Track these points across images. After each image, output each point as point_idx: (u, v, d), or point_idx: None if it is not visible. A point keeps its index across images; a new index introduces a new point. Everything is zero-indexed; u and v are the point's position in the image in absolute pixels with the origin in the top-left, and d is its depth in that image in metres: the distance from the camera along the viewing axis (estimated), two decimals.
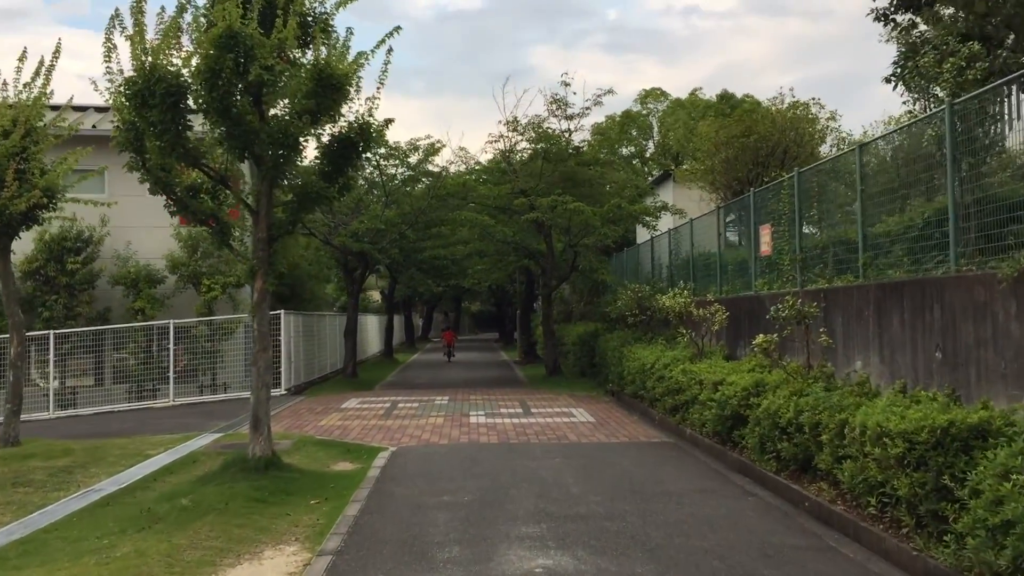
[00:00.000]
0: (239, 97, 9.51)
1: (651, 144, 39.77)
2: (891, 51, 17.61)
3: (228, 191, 10.90)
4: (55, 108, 15.37)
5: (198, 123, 10.32)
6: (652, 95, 41.75)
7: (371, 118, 10.54)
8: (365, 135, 10.50)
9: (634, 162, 35.75)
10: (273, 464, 10.38)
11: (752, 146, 17.60)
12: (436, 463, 11.65)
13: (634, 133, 36.86)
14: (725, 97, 36.82)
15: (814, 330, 11.60)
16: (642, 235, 30.78)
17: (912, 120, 12.12)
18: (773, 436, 10.51)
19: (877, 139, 12.27)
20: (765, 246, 15.76)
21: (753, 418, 11.21)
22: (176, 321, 21.22)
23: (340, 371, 25.50)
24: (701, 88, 40.89)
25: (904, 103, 15.07)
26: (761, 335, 11.91)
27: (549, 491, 9.67)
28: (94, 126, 22.00)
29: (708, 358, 15.58)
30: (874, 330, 10.75)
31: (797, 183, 14.13)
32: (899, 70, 13.98)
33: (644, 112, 40.38)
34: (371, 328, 42.31)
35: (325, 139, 10.53)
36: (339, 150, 10.49)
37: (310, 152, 10.71)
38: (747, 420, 11.55)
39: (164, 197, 10.85)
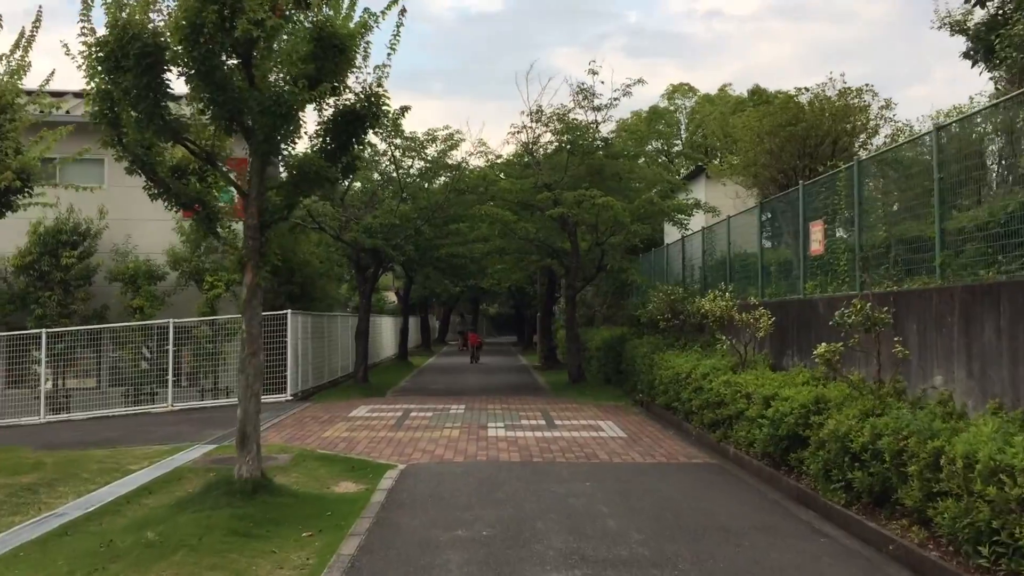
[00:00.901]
0: (225, 57, 8.13)
1: (679, 142, 38.24)
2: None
3: (215, 171, 9.49)
4: (32, 92, 14.03)
5: (182, 91, 8.96)
6: (680, 90, 40.23)
7: (380, 88, 9.14)
8: (373, 108, 9.11)
9: (659, 159, 34.18)
10: (262, 487, 8.99)
11: (799, 136, 16.07)
12: (450, 485, 10.23)
13: (662, 128, 35.34)
14: (756, 92, 35.19)
15: (886, 339, 10.11)
16: (670, 235, 29.28)
17: (1001, 97, 10.59)
18: (841, 462, 9.03)
19: (961, 118, 10.76)
20: (816, 244, 14.24)
21: (815, 440, 9.74)
22: (176, 320, 19.93)
23: (351, 375, 24.12)
24: (731, 84, 39.40)
25: (991, 78, 13.51)
26: (823, 344, 10.42)
27: (582, 525, 8.22)
28: None
29: (752, 368, 14.10)
30: (960, 340, 9.23)
31: (857, 173, 12.63)
32: (977, 45, 12.42)
33: (672, 108, 38.88)
34: (386, 330, 40.96)
35: (328, 112, 9.14)
36: (343, 124, 9.11)
37: (311, 127, 9.32)
38: (807, 441, 10.07)
39: (144, 179, 9.48)
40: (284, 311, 21.10)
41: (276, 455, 12.44)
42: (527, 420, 16.42)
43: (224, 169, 9.22)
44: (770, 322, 14.05)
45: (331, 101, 9.21)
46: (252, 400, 9.12)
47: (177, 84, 8.74)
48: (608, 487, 10.10)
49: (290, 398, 20.41)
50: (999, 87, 12.27)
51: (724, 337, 15.52)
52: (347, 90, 9.17)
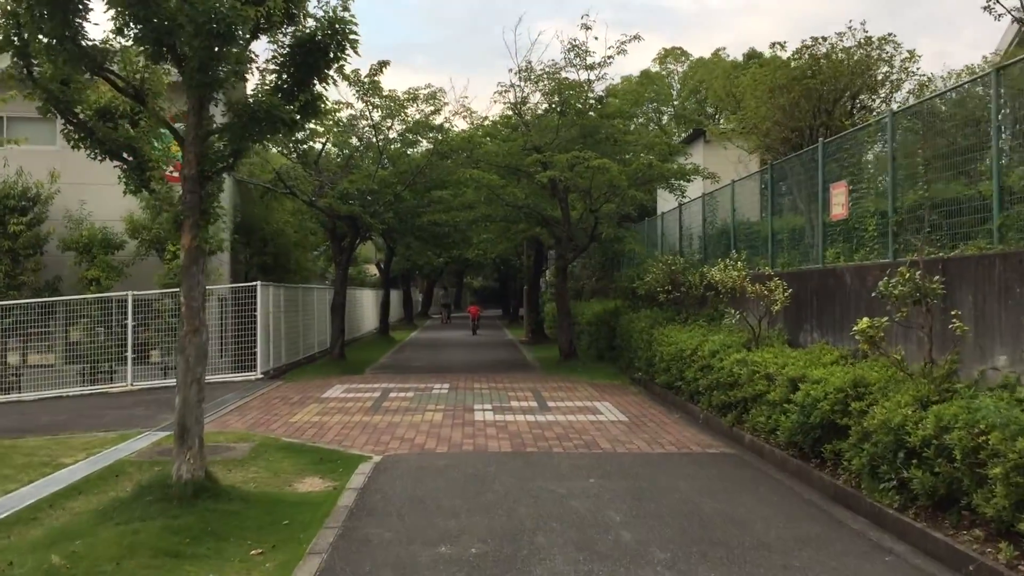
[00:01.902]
0: None
1: (669, 109, 36.62)
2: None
3: (146, 111, 7.90)
4: None
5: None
6: (672, 55, 38.55)
7: (346, 13, 7.58)
8: (338, 37, 7.55)
9: (650, 127, 32.59)
10: (206, 490, 7.51)
11: (816, 90, 14.59)
12: (432, 484, 8.78)
13: (654, 93, 33.72)
14: (753, 56, 33.60)
15: (936, 313, 8.72)
16: (664, 204, 27.80)
17: None
18: (893, 458, 7.66)
19: None
20: (839, 208, 12.81)
21: (858, 431, 8.36)
22: (135, 293, 18.33)
23: (328, 351, 22.60)
24: (724, 48, 37.71)
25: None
26: (865, 319, 8.98)
27: (591, 538, 6.80)
28: None
29: (767, 345, 12.73)
30: None
31: (891, 127, 11.18)
32: None
33: (664, 73, 37.23)
34: (366, 303, 39.41)
35: (284, 41, 7.58)
36: (301, 57, 7.55)
37: (263, 58, 7.74)
38: (845, 432, 8.70)
39: (63, 123, 7.91)
40: (253, 283, 19.54)
41: (234, 444, 10.96)
42: (517, 402, 15.00)
43: (160, 111, 7.62)
44: (786, 294, 12.67)
45: (288, 30, 7.65)
46: (193, 387, 7.62)
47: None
48: (616, 485, 8.68)
49: (260, 376, 18.91)
50: None
51: (732, 311, 14.13)
52: (306, 16, 7.61)
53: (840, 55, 14.94)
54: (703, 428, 12.55)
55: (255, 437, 11.47)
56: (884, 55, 14.98)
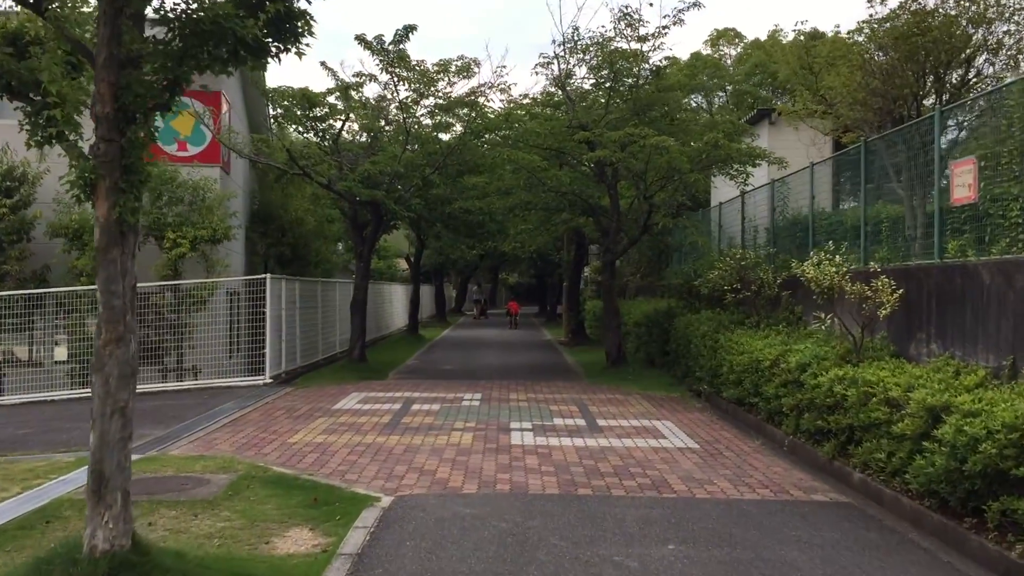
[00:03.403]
0: None
1: (722, 93, 33.96)
2: None
3: (52, 29, 5.61)
4: None
5: None
6: (725, 36, 35.94)
7: None
8: None
9: (701, 115, 30.04)
10: (128, 567, 5.23)
11: (926, 50, 12.08)
12: (454, 550, 6.49)
13: (705, 79, 31.12)
14: (815, 36, 30.97)
15: None
16: (717, 193, 25.27)
17: None
18: None
19: None
20: (964, 190, 10.32)
21: None
22: None
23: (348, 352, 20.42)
24: (781, 29, 35.02)
25: None
26: None
27: None
28: None
29: (872, 359, 10.30)
30: None
31: None
32: None
33: (717, 56, 34.60)
34: (396, 300, 37.26)
35: None
36: None
37: None
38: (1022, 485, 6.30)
39: None
40: (262, 275, 17.41)
41: (211, 475, 8.76)
42: (561, 419, 12.68)
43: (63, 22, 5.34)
44: (895, 296, 10.22)
45: None
46: (115, 419, 5.37)
47: None
48: (706, 555, 6.33)
49: (269, 381, 16.77)
50: None
51: (822, 315, 11.70)
52: None
53: (951, 9, 12.41)
54: (792, 459, 10.15)
55: (240, 465, 9.26)
56: (1005, 7, 12.42)
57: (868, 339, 10.93)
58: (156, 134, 5.39)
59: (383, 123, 19.93)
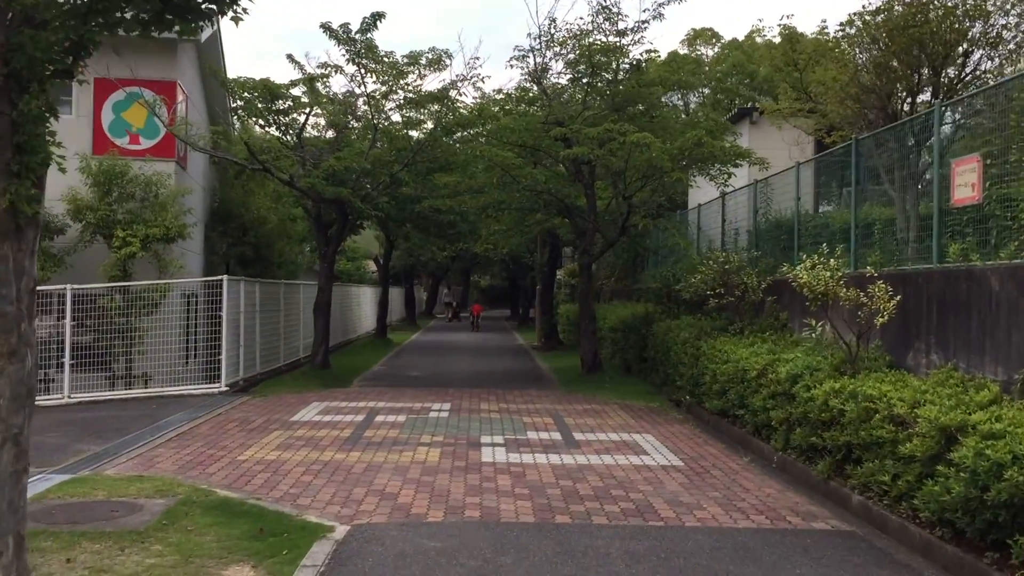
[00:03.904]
0: None
1: (707, 87, 33.27)
2: None
3: None
4: None
5: None
6: (702, 36, 35.39)
7: None
8: None
9: (679, 117, 29.35)
10: None
11: (920, 43, 11.39)
12: None
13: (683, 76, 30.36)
14: (791, 38, 30.43)
15: None
16: (696, 195, 24.58)
17: None
18: None
19: None
20: (967, 190, 9.65)
21: None
22: (76, 287, 15.25)
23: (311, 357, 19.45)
24: (761, 30, 34.43)
25: None
26: None
27: None
28: None
29: (868, 370, 9.61)
30: None
31: None
32: None
33: (694, 55, 33.96)
34: (364, 302, 36.27)
35: None
36: None
37: None
38: None
39: None
40: (219, 277, 16.45)
41: (146, 500, 7.84)
42: (535, 432, 11.85)
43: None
44: (893, 303, 9.52)
45: None
46: (5, 449, 4.47)
47: None
48: None
49: (225, 389, 15.80)
50: None
51: (813, 322, 10.99)
52: None
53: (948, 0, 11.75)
54: (784, 478, 9.41)
55: (181, 487, 8.34)
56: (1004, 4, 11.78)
57: (863, 349, 10.21)
58: (52, 109, 4.46)
59: (351, 119, 19.04)
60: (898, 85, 11.89)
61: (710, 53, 35.44)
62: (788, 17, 37.75)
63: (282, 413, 13.28)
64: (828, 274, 10.00)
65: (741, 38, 35.46)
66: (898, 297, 9.62)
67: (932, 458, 6.99)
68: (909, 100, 12.36)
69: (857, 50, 12.32)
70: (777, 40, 30.99)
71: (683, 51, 34.71)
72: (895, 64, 11.97)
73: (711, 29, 35.77)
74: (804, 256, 13.74)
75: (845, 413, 8.58)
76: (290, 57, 19.51)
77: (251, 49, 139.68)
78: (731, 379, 12.16)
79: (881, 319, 9.55)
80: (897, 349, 10.18)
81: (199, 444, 10.71)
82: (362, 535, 6.94)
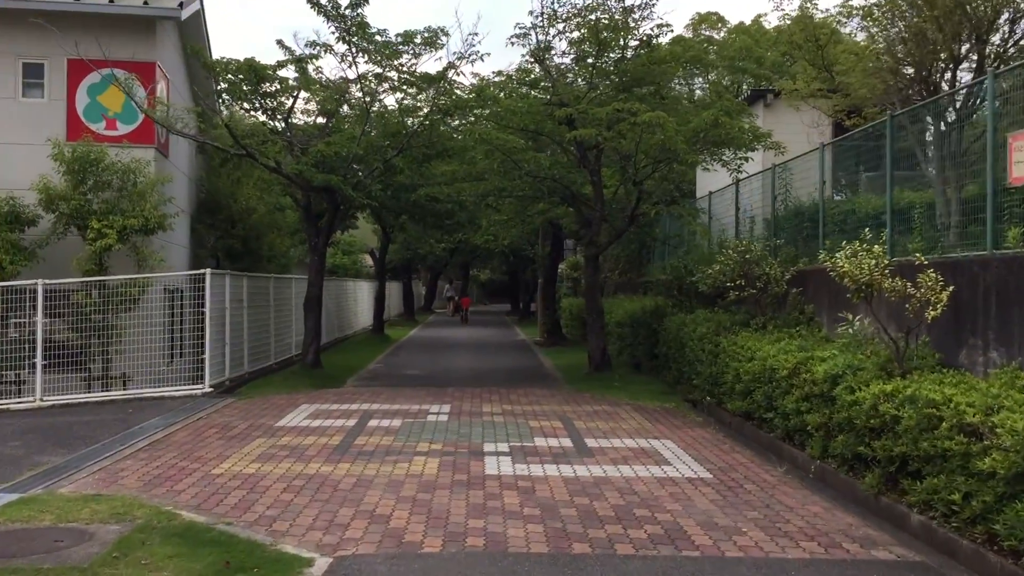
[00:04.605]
0: None
1: (704, 80, 32.18)
2: None
3: None
4: None
5: None
6: (707, 20, 34.29)
7: None
8: None
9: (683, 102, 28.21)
10: None
11: (964, 7, 10.31)
12: None
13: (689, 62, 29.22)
14: (801, 20, 29.33)
15: None
16: (703, 184, 23.48)
17: None
18: None
19: None
20: None
21: None
22: (48, 282, 14.18)
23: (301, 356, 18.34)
24: (766, 15, 33.33)
25: None
26: None
27: None
28: None
29: (919, 369, 8.58)
30: None
31: None
32: None
33: (699, 40, 32.85)
34: (361, 297, 35.18)
35: None
36: None
37: None
38: None
39: None
40: (201, 271, 15.37)
41: (100, 525, 6.79)
42: (543, 438, 10.80)
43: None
44: (945, 293, 8.47)
45: None
46: None
47: None
48: None
49: (209, 390, 14.75)
50: None
51: (850, 316, 9.95)
52: None
53: None
54: (827, 492, 8.36)
55: (141, 510, 7.27)
56: None
57: (910, 346, 9.15)
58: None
59: (343, 106, 17.94)
60: (940, 55, 10.79)
61: (716, 38, 34.27)
62: (761, 16, 36.51)
63: (267, 417, 12.23)
64: (872, 262, 8.93)
65: (748, 22, 34.33)
66: (951, 288, 8.57)
67: (1019, 476, 5.95)
68: (949, 72, 11.28)
69: (893, 16, 11.21)
70: (787, 23, 29.91)
71: (688, 36, 33.54)
72: (933, 32, 10.87)
73: (716, 13, 34.65)
74: (829, 243, 12.79)
75: (900, 420, 7.54)
76: (280, 43, 18.42)
77: (251, 47, 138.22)
78: (756, 378, 11.13)
79: (933, 312, 8.48)
80: (947, 346, 9.12)
81: (172, 455, 9.65)
82: (346, 570, 5.88)
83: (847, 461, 8.69)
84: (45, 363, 14.07)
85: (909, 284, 8.80)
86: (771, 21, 34.92)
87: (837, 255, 9.34)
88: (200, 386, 14.82)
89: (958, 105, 10.98)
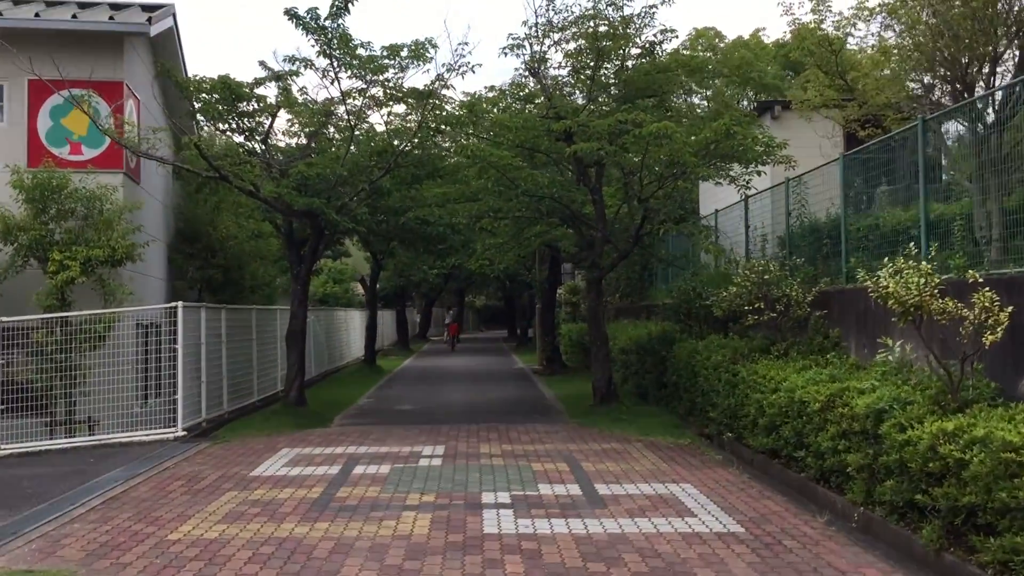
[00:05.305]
0: None
1: (699, 98, 31.31)
2: None
3: None
4: None
5: None
6: (705, 36, 33.42)
7: None
8: None
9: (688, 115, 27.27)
10: None
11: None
12: None
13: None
14: (800, 35, 28.61)
15: None
16: (706, 202, 22.46)
17: None
18: None
19: None
20: None
21: None
22: (5, 319, 13.06)
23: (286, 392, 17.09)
24: (764, 28, 32.53)
25: None
26: None
27: None
28: None
29: (975, 402, 7.50)
30: None
31: None
32: None
33: (698, 54, 31.98)
34: (353, 327, 34.01)
35: None
36: None
37: None
38: None
39: None
40: (173, 304, 14.25)
41: None
42: (548, 484, 9.64)
43: None
44: (1004, 314, 7.39)
45: None
46: None
47: None
48: None
49: (182, 434, 13.57)
50: None
51: (889, 341, 8.87)
52: None
53: None
54: (880, 548, 7.22)
55: None
56: None
57: (962, 375, 8.03)
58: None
59: (329, 128, 16.91)
60: (978, 51, 9.77)
61: (716, 55, 33.44)
62: (760, 30, 35.77)
63: (242, 465, 11.05)
64: (921, 280, 7.83)
65: (746, 37, 33.54)
66: (1009, 308, 7.48)
67: None
68: (987, 70, 10.26)
69: (922, 11, 10.20)
70: (787, 37, 29.10)
71: (687, 53, 32.68)
72: (968, 28, 9.86)
73: (714, 28, 33.80)
74: (854, 261, 11.73)
75: (967, 464, 6.42)
76: (262, 64, 17.45)
77: (235, 72, 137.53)
78: (783, 412, 10.01)
79: (992, 336, 7.39)
80: (1004, 374, 8.02)
81: (127, 515, 8.48)
82: None
83: (897, 509, 7.57)
84: (3, 408, 12.93)
85: (958, 306, 7.71)
86: (770, 36, 34.18)
87: (879, 273, 8.23)
88: (172, 430, 13.64)
89: (998, 106, 9.97)
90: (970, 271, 8.09)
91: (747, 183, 15.23)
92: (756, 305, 11.90)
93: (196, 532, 7.76)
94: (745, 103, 28.99)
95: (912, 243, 8.95)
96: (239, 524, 8.02)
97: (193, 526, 7.97)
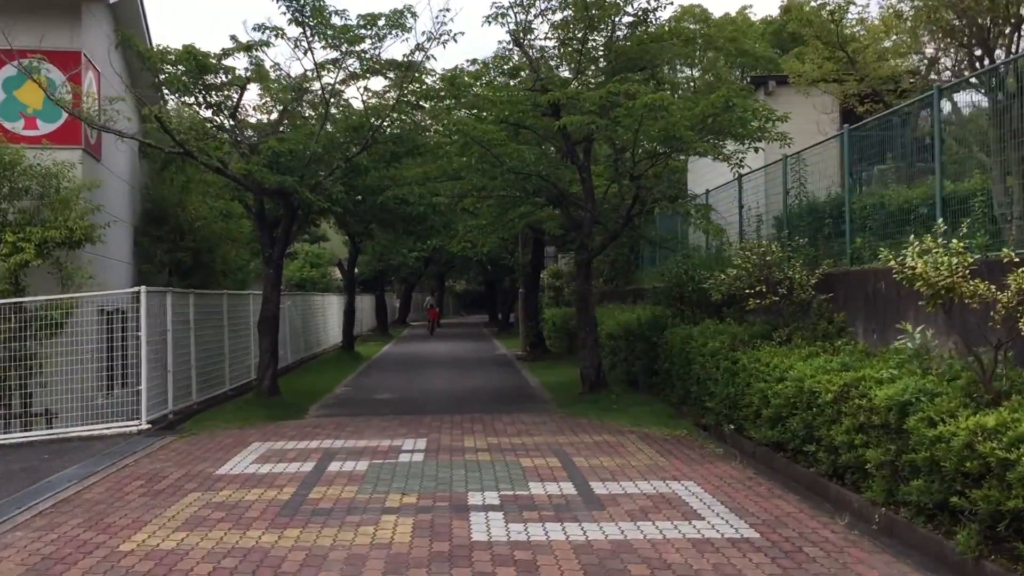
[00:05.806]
0: None
1: (690, 72, 30.61)
2: None
3: None
4: None
5: None
6: (690, 13, 32.66)
7: None
8: None
9: (680, 88, 26.47)
10: None
11: None
12: None
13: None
14: (789, 8, 28.16)
15: None
16: (695, 182, 21.76)
17: None
18: None
19: None
20: None
21: None
22: None
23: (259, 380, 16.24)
24: (751, 6, 31.81)
25: None
26: None
27: None
28: None
29: (1014, 393, 6.83)
30: None
31: None
32: None
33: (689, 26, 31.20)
34: (331, 313, 33.12)
35: None
36: None
37: None
38: None
39: None
40: (135, 289, 13.39)
41: None
42: (539, 482, 8.91)
43: None
44: None
45: None
46: None
47: None
48: None
49: (146, 427, 12.74)
50: None
51: (908, 326, 8.19)
52: None
53: None
54: (913, 557, 6.53)
55: None
56: None
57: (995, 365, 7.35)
58: None
59: (303, 105, 16.02)
60: (996, 18, 9.07)
61: (704, 29, 32.70)
62: (747, 8, 35.10)
63: (208, 462, 10.24)
64: (953, 260, 7.12)
65: (733, 14, 32.83)
66: None
67: None
68: (1008, 39, 9.56)
69: None
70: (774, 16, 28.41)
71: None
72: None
73: (699, 6, 32.99)
74: (860, 241, 11.11)
75: (1014, 465, 5.75)
76: (233, 38, 16.51)
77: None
78: (790, 403, 9.31)
79: None
80: None
81: (76, 521, 7.67)
82: None
83: (924, 510, 6.90)
84: None
85: (988, 288, 7.03)
86: (757, 13, 33.45)
87: (904, 252, 7.53)
88: (136, 422, 12.80)
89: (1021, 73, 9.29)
90: (1004, 250, 7.40)
91: (740, 161, 14.51)
92: (758, 288, 11.21)
93: (151, 541, 6.96)
94: (737, 76, 28.31)
95: (941, 220, 8.23)
96: (200, 531, 7.23)
97: (149, 534, 7.17)
